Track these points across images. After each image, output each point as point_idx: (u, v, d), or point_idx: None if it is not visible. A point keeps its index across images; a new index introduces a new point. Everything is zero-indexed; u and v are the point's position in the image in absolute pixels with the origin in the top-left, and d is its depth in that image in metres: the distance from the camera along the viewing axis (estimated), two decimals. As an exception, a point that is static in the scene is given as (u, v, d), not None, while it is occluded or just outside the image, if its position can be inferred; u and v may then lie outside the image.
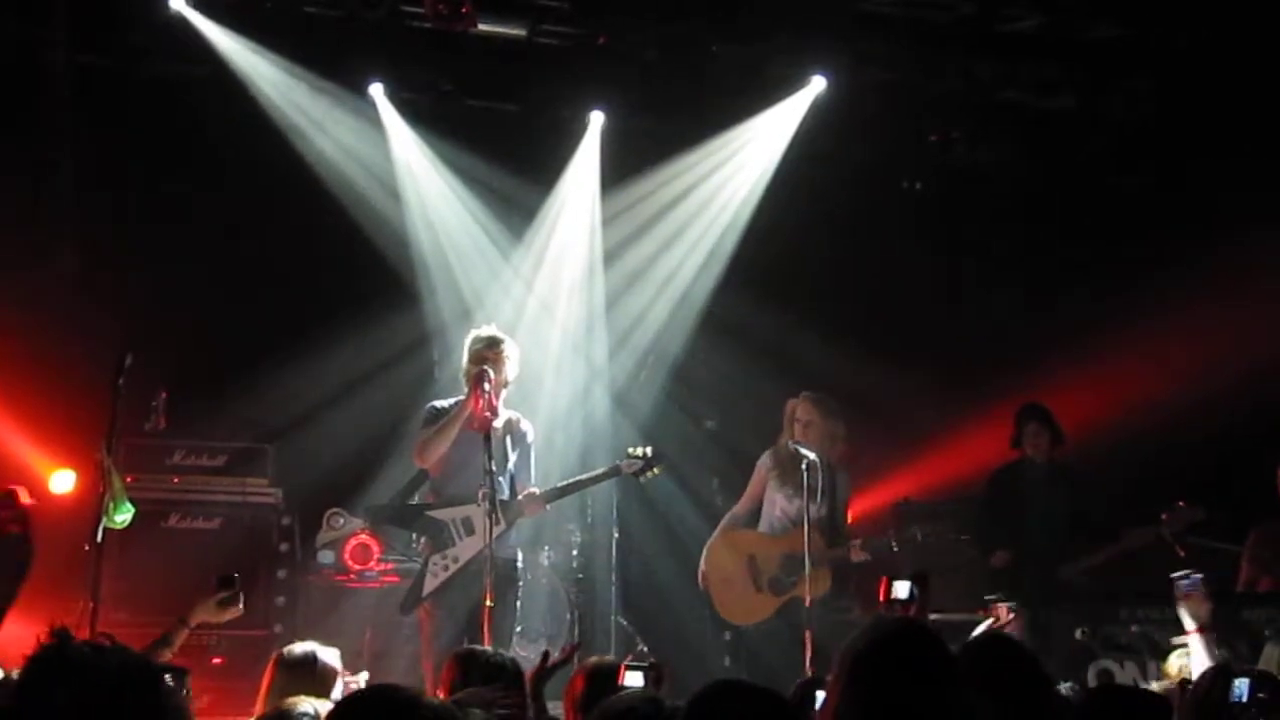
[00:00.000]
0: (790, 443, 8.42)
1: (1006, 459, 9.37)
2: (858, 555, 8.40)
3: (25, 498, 4.46)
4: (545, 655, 5.35)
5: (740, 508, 8.91)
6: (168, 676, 2.71)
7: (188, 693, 4.80)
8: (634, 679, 4.70)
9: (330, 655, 5.23)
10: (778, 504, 8.62)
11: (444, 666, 5.24)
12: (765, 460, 8.79)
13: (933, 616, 5.54)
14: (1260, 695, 4.33)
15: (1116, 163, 11.06)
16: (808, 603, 7.80)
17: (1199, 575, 6.34)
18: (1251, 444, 9.27)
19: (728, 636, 9.56)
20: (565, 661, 5.42)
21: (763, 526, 8.72)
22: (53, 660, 2.63)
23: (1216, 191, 10.19)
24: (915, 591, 5.40)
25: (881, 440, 10.44)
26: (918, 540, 8.50)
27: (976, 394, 10.58)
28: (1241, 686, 4.34)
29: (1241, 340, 9.87)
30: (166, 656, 5.27)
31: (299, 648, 5.28)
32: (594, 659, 5.62)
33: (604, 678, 4.94)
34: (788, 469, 8.55)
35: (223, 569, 6.10)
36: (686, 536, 10.12)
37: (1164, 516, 8.56)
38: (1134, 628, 8.25)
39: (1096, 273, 11.08)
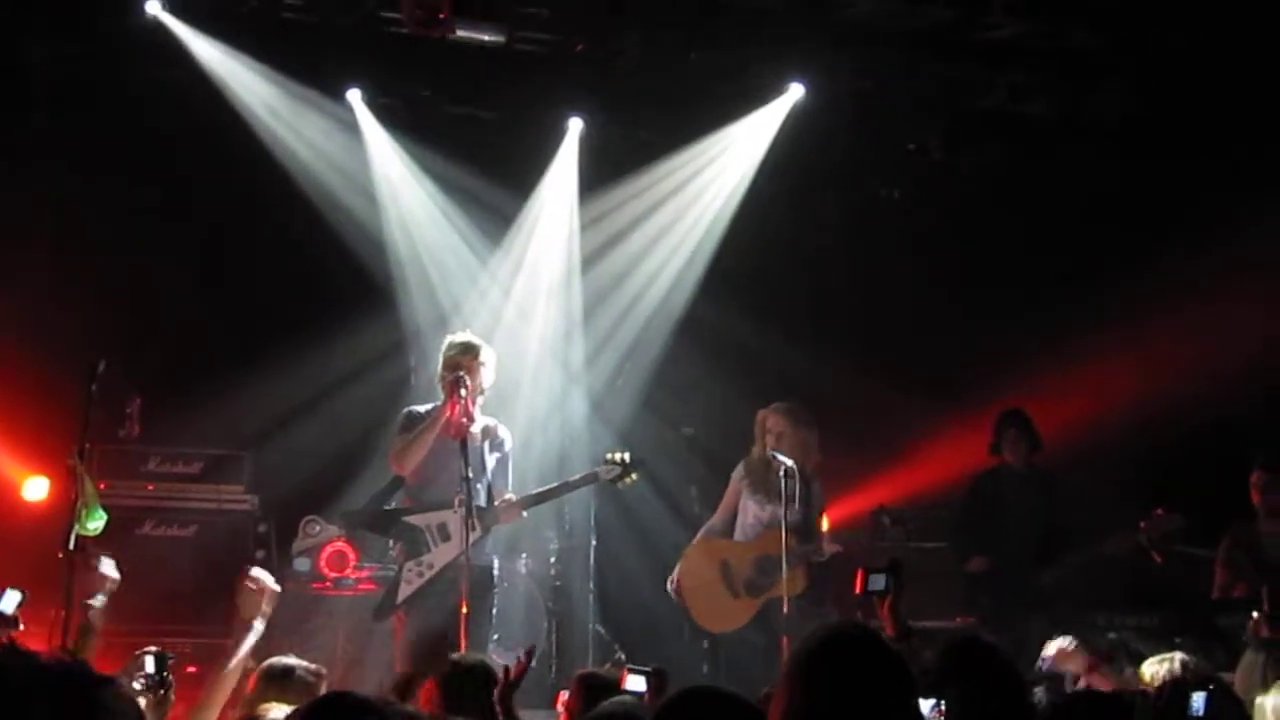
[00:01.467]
0: (768, 451, 8.42)
1: (985, 465, 9.38)
2: (830, 547, 8.40)
3: None
4: (506, 671, 5.29)
5: (716, 520, 8.85)
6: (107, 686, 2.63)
7: (169, 676, 4.78)
8: (636, 683, 4.68)
9: (310, 670, 5.19)
10: (750, 511, 8.60)
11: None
12: (738, 471, 8.77)
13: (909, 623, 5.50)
14: (1216, 707, 4.30)
15: (1094, 168, 11.08)
16: (785, 607, 7.80)
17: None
18: (1229, 448, 9.29)
19: (706, 644, 9.52)
20: (524, 671, 5.33)
21: (737, 536, 8.68)
22: None
23: (1194, 197, 10.22)
24: (891, 582, 5.38)
25: (860, 447, 10.43)
26: (886, 527, 8.49)
27: (955, 400, 10.59)
28: (1199, 700, 4.32)
29: (1221, 345, 9.90)
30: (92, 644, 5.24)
31: (280, 661, 5.25)
32: (590, 669, 5.59)
33: (600, 689, 4.91)
34: (759, 477, 8.55)
35: (197, 577, 6.07)
36: (664, 544, 10.09)
37: (1143, 524, 8.57)
38: (1111, 634, 8.24)
39: (1075, 279, 11.10)
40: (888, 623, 5.29)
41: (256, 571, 5.69)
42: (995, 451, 9.25)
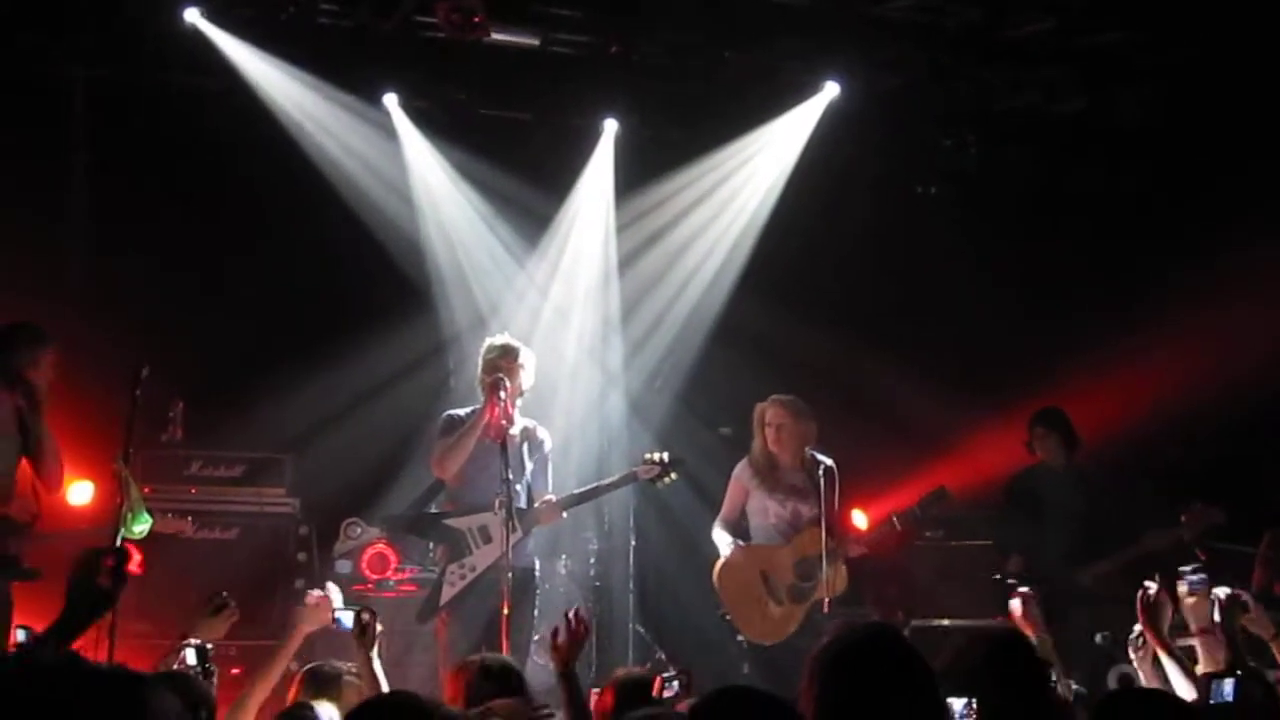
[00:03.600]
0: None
1: (1024, 464, 9.35)
2: (855, 548, 8.33)
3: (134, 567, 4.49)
4: (555, 631, 5.30)
5: (724, 519, 8.61)
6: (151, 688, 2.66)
7: (210, 667, 4.84)
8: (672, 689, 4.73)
9: (355, 673, 5.24)
10: (770, 511, 8.40)
11: (450, 679, 5.24)
12: (743, 469, 8.56)
13: (945, 621, 5.51)
14: (1244, 692, 4.27)
15: (1128, 166, 11.03)
16: (825, 606, 7.77)
17: (1205, 575, 6.25)
18: (1271, 445, 9.24)
19: (746, 644, 9.50)
20: (582, 636, 5.38)
21: (757, 537, 8.48)
22: (21, 666, 2.59)
23: (1227, 194, 10.16)
24: None
25: (897, 446, 10.41)
26: (917, 517, 8.45)
27: (994, 399, 10.54)
28: (1226, 686, 4.28)
29: (1259, 340, 9.84)
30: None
31: (327, 665, 5.30)
32: (623, 670, 5.59)
33: (634, 688, 4.94)
34: (770, 475, 8.41)
35: (240, 579, 6.11)
36: (704, 544, 10.07)
37: (1183, 519, 8.54)
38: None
39: (1112, 275, 11.04)
40: None
41: (329, 590, 5.79)
42: (1033, 450, 9.23)
